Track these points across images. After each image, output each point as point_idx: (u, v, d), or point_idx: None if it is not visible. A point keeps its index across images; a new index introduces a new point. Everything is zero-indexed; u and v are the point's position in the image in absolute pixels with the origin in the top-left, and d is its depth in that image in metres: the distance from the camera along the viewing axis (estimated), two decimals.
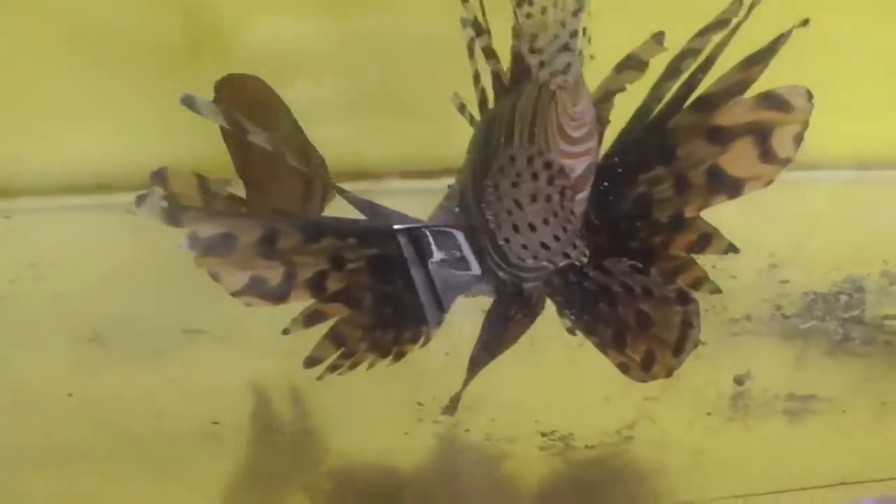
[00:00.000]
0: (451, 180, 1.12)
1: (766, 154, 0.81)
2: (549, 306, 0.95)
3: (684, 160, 0.85)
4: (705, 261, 0.92)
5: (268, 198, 1.09)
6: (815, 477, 0.89)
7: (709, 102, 0.84)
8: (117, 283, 1.24)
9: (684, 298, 0.86)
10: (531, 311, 0.93)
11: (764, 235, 1.30)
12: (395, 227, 0.88)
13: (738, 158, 0.82)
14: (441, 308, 0.91)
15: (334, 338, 0.89)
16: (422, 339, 0.91)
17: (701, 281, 0.88)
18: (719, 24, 0.87)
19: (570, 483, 0.92)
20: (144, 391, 1.04)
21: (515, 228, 0.83)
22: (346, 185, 1.37)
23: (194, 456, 0.94)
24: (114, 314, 1.17)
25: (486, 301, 0.95)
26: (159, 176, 0.82)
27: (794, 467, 0.92)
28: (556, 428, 0.96)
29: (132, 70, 1.42)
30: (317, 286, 0.85)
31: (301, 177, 1.08)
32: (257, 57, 1.43)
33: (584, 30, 0.76)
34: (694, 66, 0.88)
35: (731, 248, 0.87)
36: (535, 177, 0.81)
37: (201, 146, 1.19)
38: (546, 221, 0.82)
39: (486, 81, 0.92)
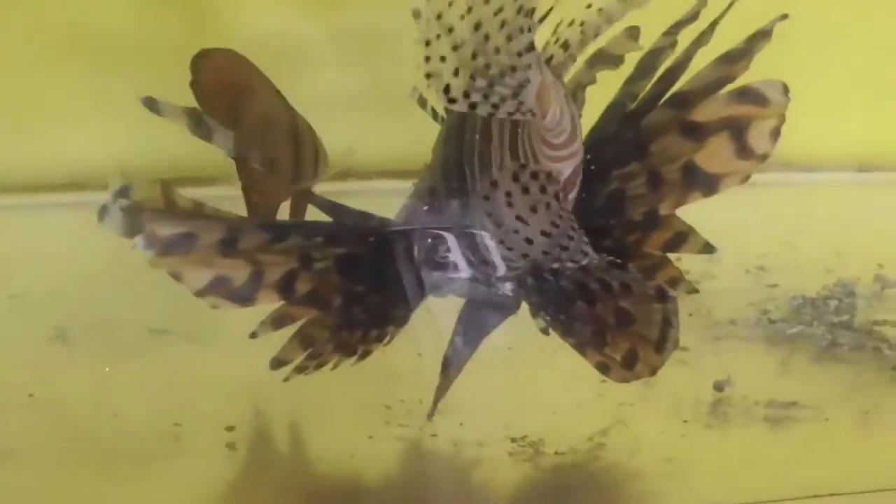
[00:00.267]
0: None
1: (743, 150, 0.81)
2: (523, 307, 0.95)
3: (658, 156, 0.85)
4: (692, 262, 0.93)
5: (258, 173, 1.10)
6: (794, 487, 0.88)
7: (685, 99, 0.84)
8: (82, 282, 1.24)
9: (663, 296, 0.86)
10: (505, 309, 0.92)
11: (753, 236, 1.30)
12: (392, 228, 0.88)
13: (714, 154, 0.82)
14: (409, 307, 0.91)
15: (302, 339, 0.89)
16: (387, 338, 0.91)
17: (676, 280, 0.88)
18: (689, 19, 0.87)
19: (538, 490, 0.91)
20: (106, 391, 1.04)
21: (529, 241, 0.82)
22: (334, 185, 1.39)
23: (152, 457, 0.94)
24: (78, 313, 1.18)
25: (457, 302, 0.96)
26: (122, 191, 0.80)
27: (771, 477, 0.91)
28: (527, 433, 0.95)
29: (106, 67, 1.43)
30: (285, 287, 0.85)
31: (291, 145, 1.09)
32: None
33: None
34: (669, 62, 0.88)
35: (708, 248, 0.87)
36: (525, 191, 0.81)
37: (174, 145, 1.19)
38: (555, 224, 0.81)
39: None
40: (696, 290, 0.87)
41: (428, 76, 0.74)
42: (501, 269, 0.86)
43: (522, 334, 0.96)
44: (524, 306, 0.93)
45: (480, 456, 0.94)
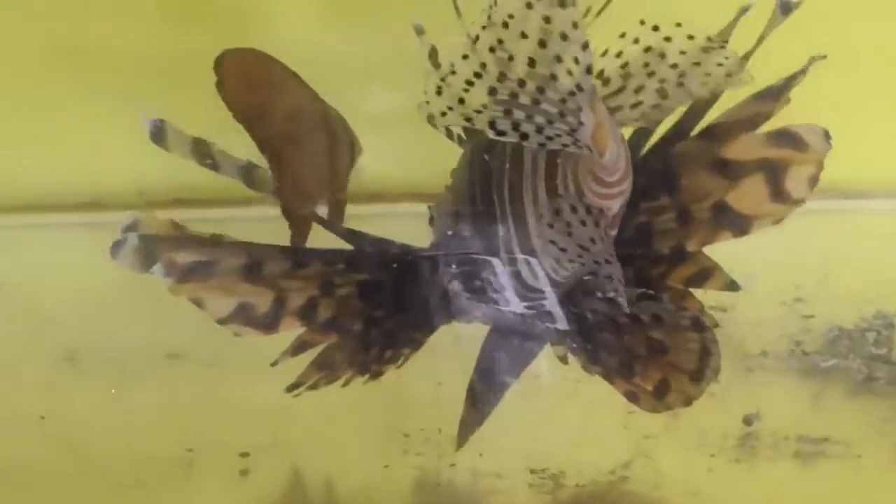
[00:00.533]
0: None
1: (778, 193, 0.81)
2: None
3: (689, 192, 0.85)
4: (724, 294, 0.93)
5: (293, 169, 1.12)
6: None
7: (717, 133, 0.84)
8: (97, 304, 1.25)
9: (699, 326, 0.86)
10: (536, 339, 0.92)
11: (790, 265, 1.29)
12: (425, 254, 0.89)
13: (748, 196, 0.82)
14: (425, 330, 0.92)
15: (321, 365, 0.90)
16: (401, 360, 0.92)
17: (682, 305, 0.88)
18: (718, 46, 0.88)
19: None
20: (118, 415, 1.06)
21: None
22: (358, 208, 1.40)
23: (165, 482, 0.96)
24: (91, 335, 1.19)
25: (480, 329, 0.97)
26: (132, 225, 0.82)
27: None
28: (547, 465, 0.96)
29: (115, 87, 1.44)
30: (308, 314, 0.86)
31: (325, 134, 1.11)
32: None
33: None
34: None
35: (732, 286, 0.87)
36: (583, 224, 0.82)
37: (184, 166, 1.21)
38: (609, 261, 0.82)
39: None
40: (716, 325, 0.87)
41: (477, 112, 0.75)
42: (551, 297, 0.88)
43: (545, 364, 0.97)
44: None
45: (499, 487, 0.95)
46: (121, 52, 1.45)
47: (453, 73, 0.75)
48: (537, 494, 0.93)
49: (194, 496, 0.95)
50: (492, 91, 0.74)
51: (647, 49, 0.82)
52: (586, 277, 0.83)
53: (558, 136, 0.75)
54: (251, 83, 1.07)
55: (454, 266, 0.87)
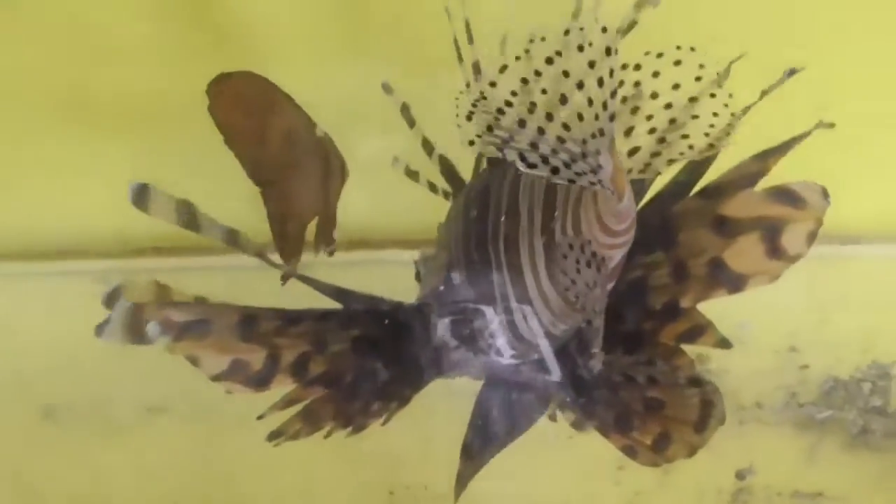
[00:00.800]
0: None
1: (775, 251, 0.81)
2: None
3: (685, 248, 0.86)
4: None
5: (286, 195, 1.14)
6: None
7: (717, 191, 0.85)
8: (75, 356, 1.24)
9: (697, 381, 0.87)
10: (538, 395, 0.92)
11: (784, 313, 1.31)
12: (412, 303, 0.89)
13: (743, 253, 0.83)
14: (415, 386, 0.94)
15: (306, 416, 0.91)
16: (386, 415, 0.93)
17: (678, 367, 0.90)
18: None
19: None
20: (98, 471, 1.08)
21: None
22: (342, 255, 1.42)
23: None
24: (70, 389, 1.20)
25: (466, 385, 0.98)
26: (114, 295, 0.83)
27: None
28: None
29: (95, 133, 1.46)
30: (300, 370, 0.87)
31: (318, 156, 1.13)
32: None
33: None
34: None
35: (724, 343, 0.88)
36: (588, 265, 0.83)
37: None
38: (599, 314, 0.83)
39: None
40: (700, 381, 0.86)
41: (504, 142, 0.76)
42: (545, 348, 0.88)
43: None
44: None
45: None
46: (103, 96, 1.47)
47: (484, 99, 0.76)
48: None
49: None
50: (521, 123, 0.76)
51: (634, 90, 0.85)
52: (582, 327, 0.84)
53: (584, 173, 0.76)
54: (246, 107, 1.08)
55: (447, 320, 0.88)
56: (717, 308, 0.89)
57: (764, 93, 0.88)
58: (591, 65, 0.73)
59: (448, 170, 0.93)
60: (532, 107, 0.75)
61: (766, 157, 0.85)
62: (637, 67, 0.87)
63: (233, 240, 0.84)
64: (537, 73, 0.75)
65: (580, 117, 0.74)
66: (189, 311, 0.82)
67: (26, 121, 1.46)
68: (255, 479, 1.04)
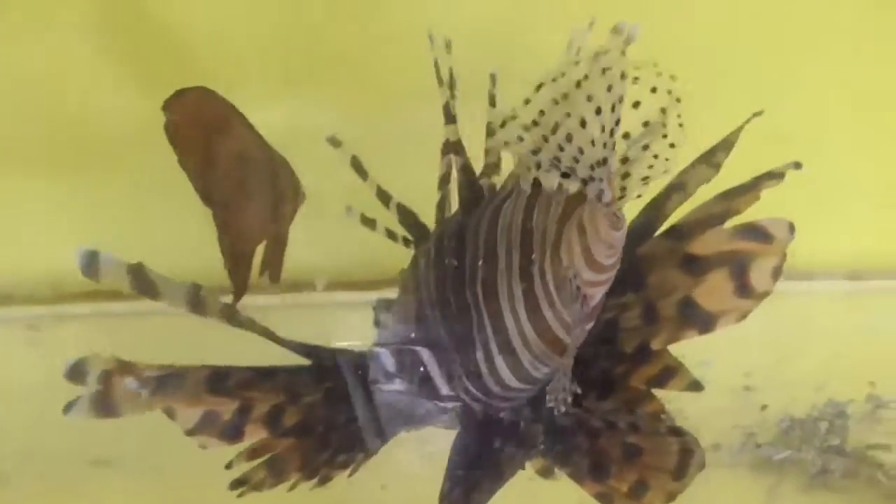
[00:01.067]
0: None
1: (743, 288, 0.85)
2: None
3: (656, 289, 0.88)
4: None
5: (237, 216, 1.15)
6: None
7: (684, 230, 0.88)
8: (13, 408, 1.26)
9: (679, 432, 0.89)
10: (523, 442, 0.93)
11: (739, 351, 1.34)
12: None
13: (713, 292, 0.86)
14: (383, 437, 0.94)
15: (272, 465, 0.92)
16: (352, 467, 0.94)
17: (657, 414, 0.92)
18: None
19: None
20: None
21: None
22: (277, 297, 1.42)
23: None
24: (15, 447, 1.20)
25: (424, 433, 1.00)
26: (76, 368, 0.85)
27: None
28: None
29: (25, 172, 1.46)
30: (272, 421, 0.90)
31: (271, 179, 1.16)
32: None
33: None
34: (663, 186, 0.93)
35: (695, 386, 0.90)
36: (574, 299, 0.84)
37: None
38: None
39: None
40: (680, 431, 0.90)
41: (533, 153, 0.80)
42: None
43: None
44: None
45: None
46: (34, 132, 1.47)
47: (514, 118, 0.79)
48: None
49: None
50: (545, 138, 0.79)
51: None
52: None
53: (601, 190, 0.79)
54: (200, 125, 1.12)
55: (420, 369, 0.90)
56: (673, 348, 0.92)
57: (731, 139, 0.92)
58: (609, 89, 0.76)
59: (407, 217, 0.94)
60: (556, 127, 0.78)
61: (734, 196, 0.88)
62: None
63: (195, 300, 0.84)
64: (565, 96, 0.78)
65: (592, 143, 0.78)
66: (161, 369, 0.86)
67: None
68: None
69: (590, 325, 0.86)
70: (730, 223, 0.87)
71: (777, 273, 0.85)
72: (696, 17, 1.49)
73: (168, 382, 0.85)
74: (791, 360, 1.38)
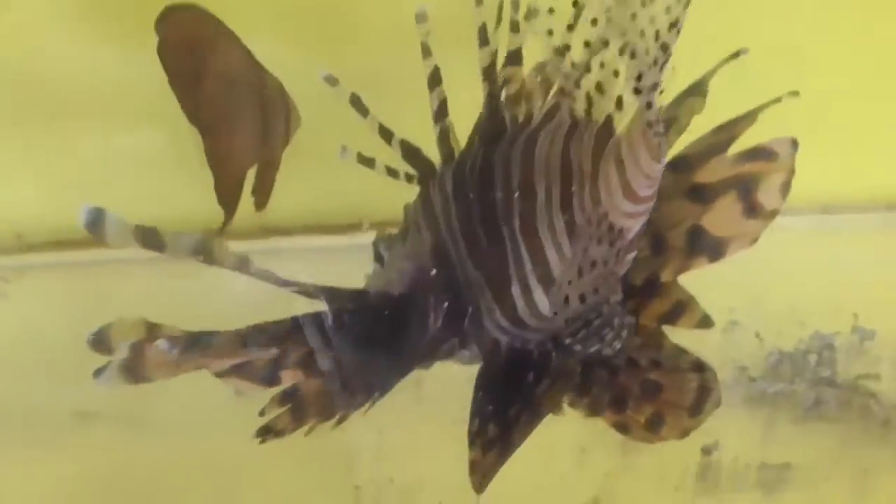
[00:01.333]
0: (364, 236, 1.18)
1: (752, 209, 0.88)
2: None
3: (663, 219, 0.90)
4: None
5: (226, 138, 1.16)
6: None
7: (687, 162, 0.90)
8: None
9: (700, 367, 0.91)
10: (560, 376, 0.94)
11: (721, 289, 1.38)
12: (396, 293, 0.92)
13: (722, 216, 0.88)
14: (402, 375, 0.95)
15: (295, 410, 0.91)
16: (368, 405, 0.94)
17: (679, 349, 0.93)
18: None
19: None
20: (34, 483, 1.08)
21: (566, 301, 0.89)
22: (248, 243, 1.42)
23: None
24: None
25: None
26: (101, 336, 0.82)
27: None
28: None
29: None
30: (307, 364, 0.89)
31: (259, 105, 1.16)
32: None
33: None
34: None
35: (705, 322, 0.92)
36: (599, 241, 0.87)
37: (64, 205, 1.25)
38: (596, 291, 0.88)
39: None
40: (702, 366, 0.92)
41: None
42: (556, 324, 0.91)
43: None
44: None
45: None
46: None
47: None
48: None
49: None
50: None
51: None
52: (596, 315, 0.88)
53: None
54: (190, 45, 1.12)
55: (445, 305, 0.91)
56: None
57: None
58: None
59: (412, 153, 0.94)
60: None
61: (733, 126, 0.91)
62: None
63: (205, 251, 0.80)
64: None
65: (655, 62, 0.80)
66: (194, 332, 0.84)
67: None
68: (208, 486, 1.06)
69: (631, 256, 0.88)
70: (732, 150, 0.89)
71: (785, 189, 0.88)
72: None
73: (200, 340, 0.84)
74: (771, 296, 1.41)
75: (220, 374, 0.86)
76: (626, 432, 0.93)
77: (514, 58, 0.91)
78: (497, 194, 0.89)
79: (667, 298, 0.91)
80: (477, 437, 0.93)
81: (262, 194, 1.21)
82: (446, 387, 1.03)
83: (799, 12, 1.49)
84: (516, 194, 0.88)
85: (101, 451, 1.14)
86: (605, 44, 0.83)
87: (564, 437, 0.98)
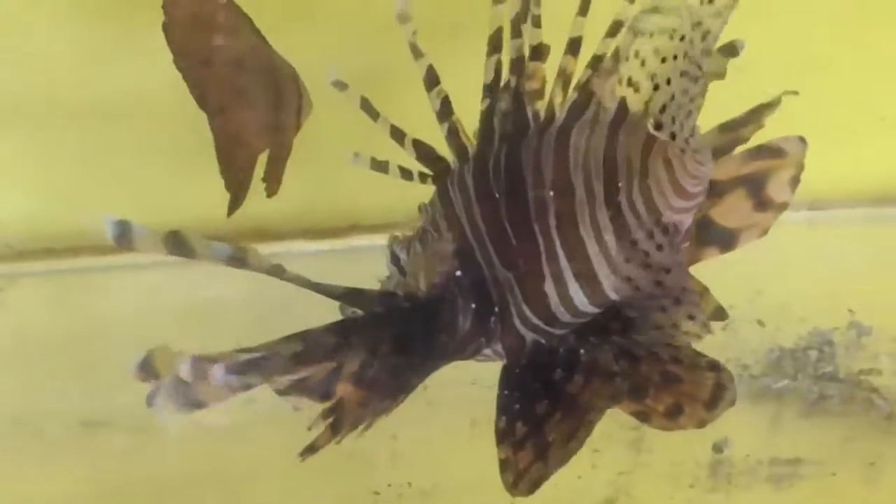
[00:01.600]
0: (360, 239, 1.24)
1: (762, 203, 0.93)
2: None
3: None
4: None
5: (235, 121, 1.17)
6: None
7: None
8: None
9: (716, 367, 0.94)
10: (595, 371, 0.96)
11: (720, 286, 1.42)
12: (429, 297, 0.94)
13: (731, 209, 0.93)
14: (426, 377, 0.97)
15: (337, 423, 0.92)
16: (392, 409, 0.96)
17: (696, 350, 0.96)
18: None
19: None
20: (43, 493, 1.11)
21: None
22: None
23: None
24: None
25: None
26: (146, 364, 0.80)
27: None
28: None
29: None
30: (359, 376, 0.90)
31: (270, 88, 1.18)
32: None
33: None
34: None
35: (720, 314, 0.99)
36: (650, 236, 0.89)
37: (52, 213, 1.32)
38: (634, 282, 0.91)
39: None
40: (718, 366, 0.94)
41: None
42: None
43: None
44: None
45: None
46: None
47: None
48: None
49: None
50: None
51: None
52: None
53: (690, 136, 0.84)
54: (198, 24, 1.13)
55: (473, 305, 0.94)
56: None
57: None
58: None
59: (426, 152, 0.96)
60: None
61: (735, 127, 0.94)
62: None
63: (241, 258, 0.83)
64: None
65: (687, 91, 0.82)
66: (249, 353, 0.84)
67: None
68: (222, 495, 1.09)
69: (686, 245, 0.91)
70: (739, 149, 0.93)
71: (795, 183, 0.92)
72: None
73: (258, 363, 0.84)
74: (769, 293, 1.46)
75: (281, 393, 0.87)
76: (645, 421, 0.96)
77: (537, 53, 0.93)
78: (528, 192, 0.91)
79: None
80: (505, 435, 0.95)
81: (274, 181, 1.21)
82: (451, 388, 1.07)
83: (792, 10, 1.54)
84: (550, 192, 0.91)
85: (110, 460, 1.16)
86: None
87: None
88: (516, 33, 0.92)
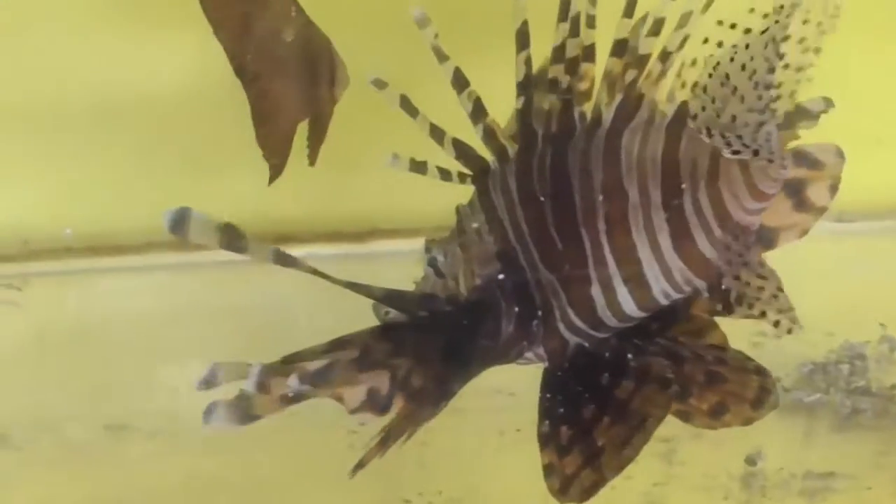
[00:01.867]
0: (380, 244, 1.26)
1: (801, 204, 0.94)
2: None
3: None
4: None
5: (275, 88, 1.20)
6: None
7: None
8: (21, 374, 1.29)
9: (761, 371, 0.97)
10: (646, 378, 0.96)
11: None
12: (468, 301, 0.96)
13: (771, 209, 0.92)
14: (466, 382, 0.98)
15: (386, 437, 0.93)
16: (433, 417, 0.97)
17: (724, 346, 0.99)
18: None
19: None
20: (68, 497, 1.13)
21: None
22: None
23: None
24: (19, 411, 1.24)
25: None
26: (211, 378, 0.83)
27: None
28: None
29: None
30: (408, 386, 0.91)
31: (308, 58, 1.20)
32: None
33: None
34: None
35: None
36: (715, 238, 0.91)
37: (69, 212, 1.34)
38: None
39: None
40: (763, 371, 0.98)
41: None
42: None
43: (530, 416, 1.08)
44: None
45: None
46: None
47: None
48: None
49: None
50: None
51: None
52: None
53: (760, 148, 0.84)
54: (236, 5, 1.16)
55: (516, 308, 0.96)
56: None
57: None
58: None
59: (465, 152, 0.96)
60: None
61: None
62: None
63: (282, 258, 0.85)
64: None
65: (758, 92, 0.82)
66: (315, 359, 0.87)
67: None
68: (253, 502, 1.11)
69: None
70: None
71: (834, 190, 0.94)
72: None
73: (322, 374, 0.87)
74: (797, 306, 1.47)
75: (354, 411, 0.89)
76: (687, 420, 0.97)
77: (588, 54, 0.94)
78: (574, 196, 0.93)
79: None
80: (549, 440, 0.96)
81: (313, 151, 1.23)
82: (477, 397, 1.09)
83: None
84: (600, 196, 0.92)
85: (134, 464, 1.18)
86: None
87: None
88: (574, 33, 0.93)
